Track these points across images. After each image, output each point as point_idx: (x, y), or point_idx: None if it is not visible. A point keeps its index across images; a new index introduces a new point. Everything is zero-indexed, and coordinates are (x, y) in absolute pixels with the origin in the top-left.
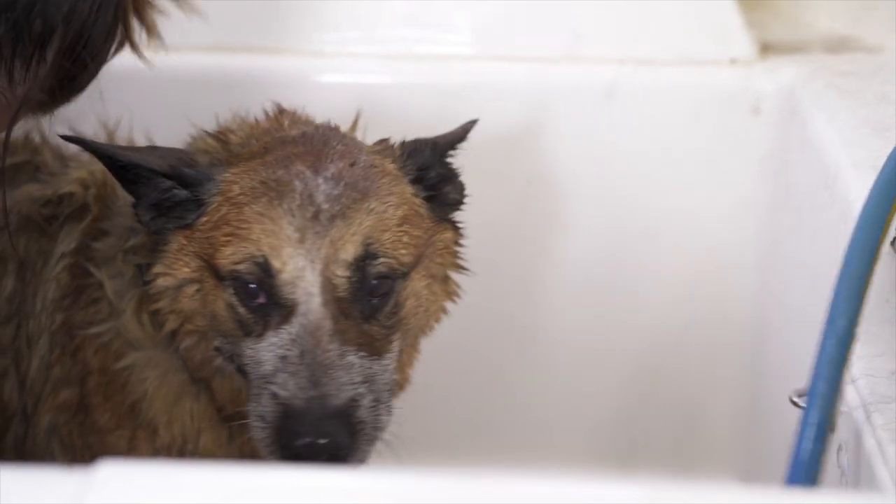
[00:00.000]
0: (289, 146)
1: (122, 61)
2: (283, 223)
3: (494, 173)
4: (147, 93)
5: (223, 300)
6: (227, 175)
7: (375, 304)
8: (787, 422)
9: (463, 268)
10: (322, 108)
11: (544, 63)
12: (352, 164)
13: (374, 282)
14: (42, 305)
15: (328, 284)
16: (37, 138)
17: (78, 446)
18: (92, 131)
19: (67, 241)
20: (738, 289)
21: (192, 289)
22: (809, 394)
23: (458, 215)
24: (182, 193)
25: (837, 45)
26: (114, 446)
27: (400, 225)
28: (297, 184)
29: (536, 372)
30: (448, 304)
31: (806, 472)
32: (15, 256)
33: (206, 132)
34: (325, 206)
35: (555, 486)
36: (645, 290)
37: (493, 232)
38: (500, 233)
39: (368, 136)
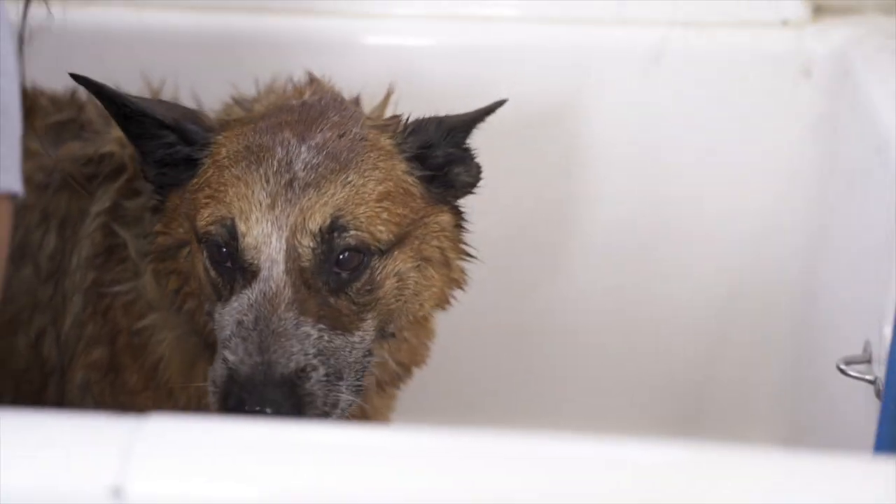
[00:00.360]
0: (284, 114)
1: (167, 23)
2: (256, 188)
3: (540, 137)
4: (193, 54)
5: (201, 262)
6: (219, 138)
7: (345, 278)
8: (834, 388)
9: (467, 253)
10: (366, 70)
11: (591, 25)
12: (340, 136)
13: (343, 255)
14: (77, 263)
15: (293, 252)
16: (83, 96)
17: (110, 404)
18: (136, 91)
19: (103, 200)
20: (788, 255)
21: (186, 250)
22: (888, 372)
23: (494, 183)
24: (184, 150)
25: (891, 7)
26: (142, 407)
27: (380, 201)
28: (279, 151)
29: (585, 340)
30: (456, 292)
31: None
32: (57, 214)
33: (234, 100)
34: (301, 174)
35: (596, 445)
36: (694, 257)
37: (540, 197)
38: (546, 198)
39: (408, 98)
